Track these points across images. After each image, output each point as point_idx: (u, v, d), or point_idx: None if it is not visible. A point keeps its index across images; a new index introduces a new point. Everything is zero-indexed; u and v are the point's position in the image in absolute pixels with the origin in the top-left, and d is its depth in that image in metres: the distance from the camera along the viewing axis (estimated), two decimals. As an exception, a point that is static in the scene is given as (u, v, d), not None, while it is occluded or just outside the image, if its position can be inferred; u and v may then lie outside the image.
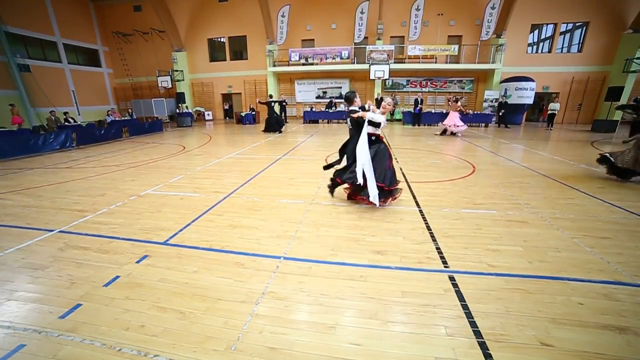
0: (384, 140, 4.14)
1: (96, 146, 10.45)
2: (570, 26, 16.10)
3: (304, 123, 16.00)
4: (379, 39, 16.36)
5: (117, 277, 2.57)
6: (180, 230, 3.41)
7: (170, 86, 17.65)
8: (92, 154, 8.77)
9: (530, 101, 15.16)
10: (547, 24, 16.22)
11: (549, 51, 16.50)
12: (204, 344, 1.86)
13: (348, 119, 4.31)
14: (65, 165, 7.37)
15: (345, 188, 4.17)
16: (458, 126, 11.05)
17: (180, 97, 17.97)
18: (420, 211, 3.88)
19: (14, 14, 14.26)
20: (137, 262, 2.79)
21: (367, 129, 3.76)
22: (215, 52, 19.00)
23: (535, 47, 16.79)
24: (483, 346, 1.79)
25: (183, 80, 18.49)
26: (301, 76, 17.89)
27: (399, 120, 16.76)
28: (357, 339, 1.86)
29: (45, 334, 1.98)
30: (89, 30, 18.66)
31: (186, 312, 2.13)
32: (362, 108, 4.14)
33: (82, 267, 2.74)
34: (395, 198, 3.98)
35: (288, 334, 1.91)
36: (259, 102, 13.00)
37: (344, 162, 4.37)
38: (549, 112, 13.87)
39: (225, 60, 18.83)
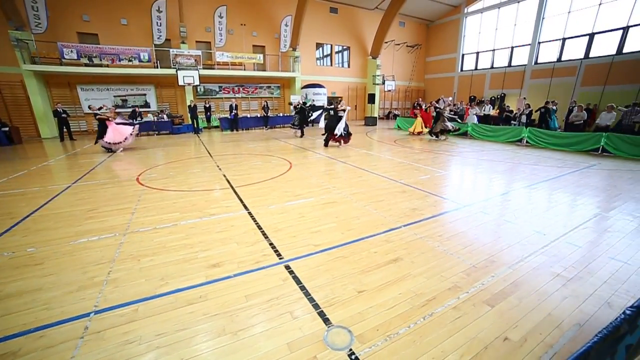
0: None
1: None
2: (340, 47, 21.22)
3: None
4: (183, 42, 15.27)
5: None
6: None
7: None
8: None
9: (325, 103, 18.80)
10: (326, 44, 20.61)
11: (330, 64, 21.13)
12: None
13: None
14: None
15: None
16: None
17: None
18: (249, 213, 4.00)
19: None
20: None
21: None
22: None
23: (322, 60, 20.95)
24: (322, 314, 2.10)
25: None
26: (87, 80, 14.02)
27: (216, 127, 16.37)
28: (208, 364, 1.72)
29: None
30: None
31: None
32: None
33: None
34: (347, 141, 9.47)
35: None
36: None
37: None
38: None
39: None
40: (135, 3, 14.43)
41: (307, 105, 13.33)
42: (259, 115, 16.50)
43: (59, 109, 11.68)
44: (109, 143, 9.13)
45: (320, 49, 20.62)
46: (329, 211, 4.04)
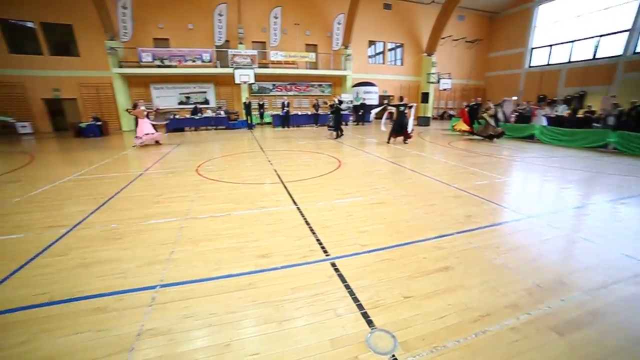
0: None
1: None
2: (393, 45, 20.59)
3: (167, 132, 14.12)
4: (241, 43, 16.25)
5: None
6: (-6, 289, 2.44)
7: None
8: None
9: (376, 102, 18.44)
10: (378, 42, 20.16)
11: (383, 62, 20.63)
12: None
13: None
14: None
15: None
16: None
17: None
18: (298, 208, 4.11)
19: None
20: None
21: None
22: (20, 40, 14.17)
23: (374, 58, 20.57)
24: (365, 315, 2.07)
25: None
26: (158, 80, 15.75)
27: (268, 123, 17.08)
28: (255, 348, 1.82)
29: None
30: None
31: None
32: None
33: None
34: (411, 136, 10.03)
35: (177, 372, 1.68)
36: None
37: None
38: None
39: (41, 54, 14.34)
40: (200, 9, 15.73)
41: (354, 103, 13.09)
42: (309, 113, 16.84)
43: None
44: (136, 137, 9.83)
45: (373, 46, 20.26)
46: (377, 212, 3.97)
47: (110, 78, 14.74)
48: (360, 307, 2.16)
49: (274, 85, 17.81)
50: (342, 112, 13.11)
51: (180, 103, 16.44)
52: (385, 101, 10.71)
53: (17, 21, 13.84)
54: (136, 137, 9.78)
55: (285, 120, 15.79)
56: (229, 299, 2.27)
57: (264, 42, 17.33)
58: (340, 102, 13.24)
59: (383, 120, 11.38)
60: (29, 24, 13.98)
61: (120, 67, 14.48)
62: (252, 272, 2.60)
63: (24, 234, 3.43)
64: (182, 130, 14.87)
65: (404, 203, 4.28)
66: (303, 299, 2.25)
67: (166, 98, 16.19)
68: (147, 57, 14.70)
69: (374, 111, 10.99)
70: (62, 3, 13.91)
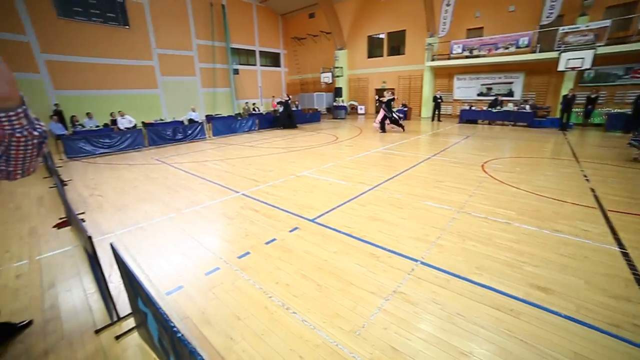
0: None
1: (270, 131, 13.02)
2: None
3: (459, 122, 14.32)
4: (583, 14, 12.38)
5: (274, 239, 3.15)
6: (327, 212, 3.80)
7: (330, 81, 19.95)
8: (267, 137, 10.98)
9: None
10: None
11: None
12: (333, 319, 2.02)
13: None
14: (249, 144, 9.58)
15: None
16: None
17: (337, 92, 19.94)
18: (625, 253, 2.77)
19: (235, 34, 19.60)
20: (290, 231, 3.32)
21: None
22: (374, 48, 19.58)
23: None
24: None
25: (342, 76, 20.22)
26: (462, 70, 15.99)
27: (598, 124, 12.23)
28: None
29: (229, 265, 2.68)
30: (275, 37, 23.21)
31: (322, 286, 2.37)
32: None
33: (253, 225, 3.51)
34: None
35: (412, 342, 1.82)
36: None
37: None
38: None
39: (382, 56, 19.16)
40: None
41: None
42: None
43: (437, 95, 14.64)
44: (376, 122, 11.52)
45: None
46: None
47: (421, 71, 16.97)
48: None
49: (628, 69, 12.09)
50: None
51: (480, 94, 15.83)
52: None
53: (375, 35, 19.11)
54: (375, 122, 11.76)
55: (636, 121, 10.48)
56: (481, 310, 2.06)
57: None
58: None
59: None
60: (381, 36, 18.85)
61: (432, 60, 16.14)
62: (518, 299, 2.17)
63: (346, 183, 4.97)
64: (474, 122, 14.46)
65: None
66: (592, 376, 1.59)
67: (466, 89, 16.22)
68: (457, 49, 15.22)
69: None
70: (401, 13, 17.37)
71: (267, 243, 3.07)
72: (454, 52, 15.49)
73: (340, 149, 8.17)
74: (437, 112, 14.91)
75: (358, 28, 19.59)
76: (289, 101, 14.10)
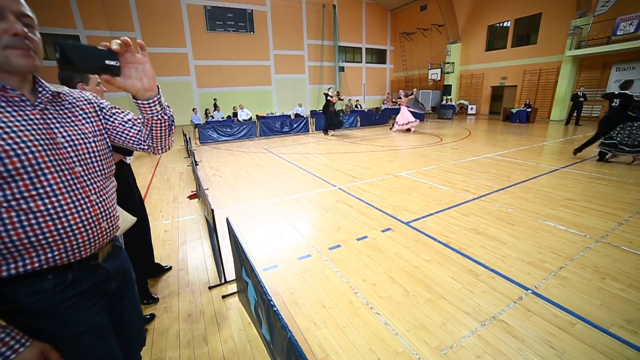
0: None
1: (371, 128, 12.98)
2: None
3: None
4: None
5: (366, 237, 3.14)
6: (423, 217, 3.57)
7: (438, 79, 18.36)
8: (367, 134, 10.98)
9: None
10: None
11: None
12: (418, 330, 1.90)
13: None
14: (349, 140, 9.77)
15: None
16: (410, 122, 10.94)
17: (446, 90, 18.26)
18: None
19: (344, 32, 20.14)
20: (382, 231, 3.25)
21: None
22: (495, 39, 16.96)
23: None
24: None
25: (452, 72, 18.39)
26: (627, 58, 12.22)
27: None
28: None
29: (320, 255, 2.82)
30: (383, 34, 22.76)
31: (410, 293, 2.24)
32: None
33: (346, 219, 3.59)
34: None
35: (518, 385, 1.54)
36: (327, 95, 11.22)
37: None
38: None
39: (504, 47, 16.42)
40: None
41: None
42: None
43: (578, 93, 11.67)
44: (396, 123, 11.34)
45: None
46: None
47: (558, 62, 13.80)
48: None
49: None
50: None
51: (649, 91, 11.93)
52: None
53: (498, 23, 16.47)
54: (397, 123, 11.27)
55: None
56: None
57: None
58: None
59: None
60: (506, 24, 16.14)
61: (578, 47, 12.90)
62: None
63: (447, 189, 4.55)
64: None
65: None
66: None
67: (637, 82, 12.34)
68: (626, 28, 11.52)
69: None
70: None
71: (358, 239, 3.09)
72: (619, 32, 11.87)
73: (444, 152, 7.51)
74: (575, 114, 11.94)
75: (477, 17, 17.37)
76: (329, 97, 11.04)
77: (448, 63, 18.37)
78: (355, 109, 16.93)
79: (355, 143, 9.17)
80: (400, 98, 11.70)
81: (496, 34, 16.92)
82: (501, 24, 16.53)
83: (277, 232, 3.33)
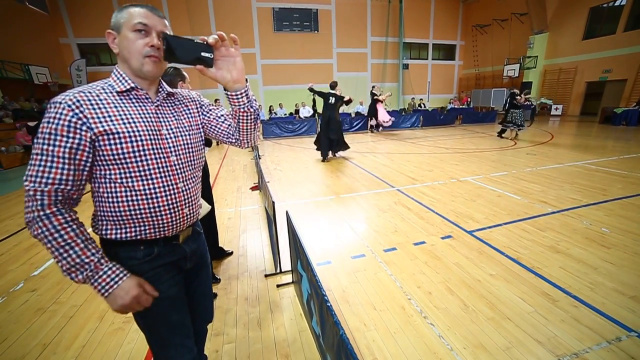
0: None
1: (435, 129, 12.25)
2: None
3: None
4: None
5: (424, 242, 2.98)
6: (489, 227, 3.24)
7: (516, 75, 16.37)
8: (430, 135, 10.38)
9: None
10: None
11: None
12: (476, 349, 1.74)
13: None
14: (411, 140, 9.36)
15: None
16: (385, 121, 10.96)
17: (525, 87, 16.20)
18: None
19: (410, 28, 19.21)
20: (442, 238, 3.05)
21: None
22: (598, 23, 14.21)
23: None
24: None
25: (534, 67, 16.20)
26: None
27: None
28: None
29: (374, 256, 2.76)
30: (453, 28, 21.04)
31: (470, 308, 2.06)
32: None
33: (404, 222, 3.45)
34: None
35: None
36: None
37: None
38: None
39: (612, 33, 13.58)
40: None
41: None
42: None
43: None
44: (380, 126, 11.23)
45: None
46: None
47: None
48: None
49: None
50: None
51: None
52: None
53: (605, 4, 13.83)
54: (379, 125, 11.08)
55: None
56: None
57: None
58: None
59: None
60: (618, 2, 13.40)
61: None
62: None
63: (520, 198, 4.05)
64: None
65: None
66: None
67: None
68: None
69: None
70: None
71: (415, 244, 2.95)
72: None
73: (518, 157, 6.70)
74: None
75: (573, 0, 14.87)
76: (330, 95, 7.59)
77: (529, 57, 16.24)
78: (419, 108, 16.12)
79: (417, 144, 8.74)
80: (375, 94, 11.03)
81: (602, 17, 14.16)
82: (611, 4, 13.79)
83: (332, 229, 3.36)
